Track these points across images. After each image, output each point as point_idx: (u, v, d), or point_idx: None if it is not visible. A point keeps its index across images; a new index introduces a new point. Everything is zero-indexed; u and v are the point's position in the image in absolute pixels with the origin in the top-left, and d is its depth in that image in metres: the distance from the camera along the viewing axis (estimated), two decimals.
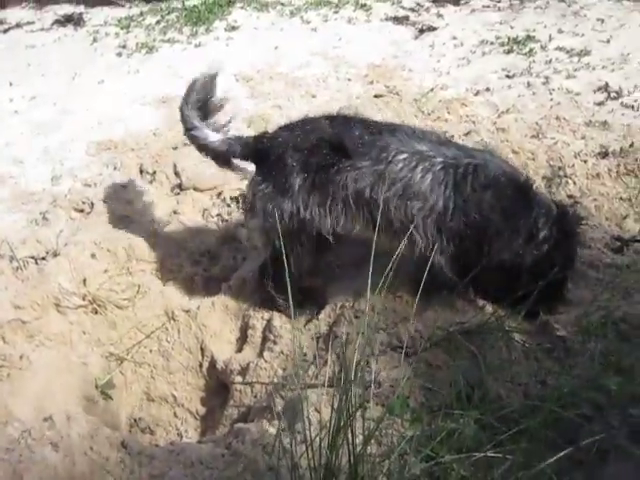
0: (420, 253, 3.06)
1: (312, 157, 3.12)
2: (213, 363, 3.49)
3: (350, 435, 2.10)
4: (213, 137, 3.45)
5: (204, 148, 3.50)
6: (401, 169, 3.01)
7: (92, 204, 4.21)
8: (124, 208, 4.24)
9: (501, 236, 3.02)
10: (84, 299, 3.54)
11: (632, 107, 5.17)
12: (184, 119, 3.55)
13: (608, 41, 6.46)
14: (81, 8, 8.31)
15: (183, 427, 3.49)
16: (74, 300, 3.51)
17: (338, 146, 3.09)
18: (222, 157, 3.48)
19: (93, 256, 3.78)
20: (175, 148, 4.89)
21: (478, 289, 3.22)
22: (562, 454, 2.06)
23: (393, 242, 2.98)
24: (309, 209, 3.13)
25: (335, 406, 2.12)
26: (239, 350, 3.49)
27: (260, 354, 3.32)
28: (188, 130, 3.53)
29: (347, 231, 3.21)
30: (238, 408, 3.24)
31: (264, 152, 3.26)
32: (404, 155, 3.03)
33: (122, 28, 7.53)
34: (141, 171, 4.67)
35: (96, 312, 3.55)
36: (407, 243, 2.98)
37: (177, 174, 4.53)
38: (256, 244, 3.54)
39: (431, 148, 3.06)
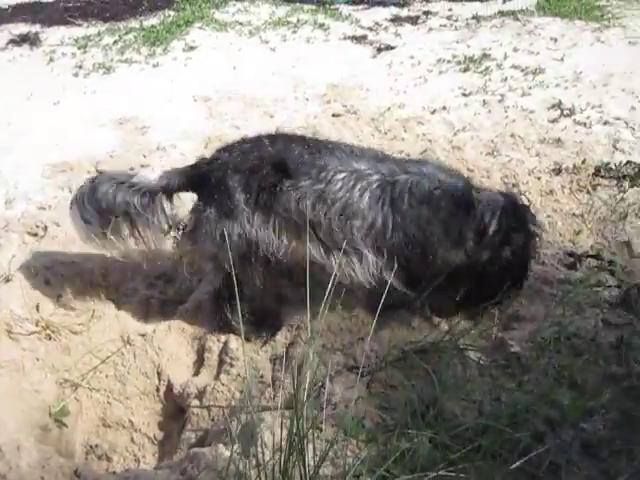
0: (366, 272, 3.11)
1: (253, 177, 3.11)
2: (170, 387, 3.44)
3: (303, 457, 2.09)
4: (151, 176, 3.32)
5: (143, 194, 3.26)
6: (340, 188, 3.06)
7: (46, 228, 4.14)
8: None
9: (444, 246, 3.08)
10: (37, 325, 3.47)
11: (584, 124, 5.28)
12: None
13: (562, 59, 6.62)
14: (37, 27, 8.24)
15: (141, 453, 3.43)
16: (27, 326, 3.43)
17: (279, 166, 3.11)
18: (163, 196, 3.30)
19: (47, 281, 3.72)
20: (132, 169, 4.85)
21: (435, 304, 3.28)
22: (513, 467, 2.07)
23: (340, 262, 3.05)
24: (255, 229, 3.13)
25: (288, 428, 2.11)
26: (196, 373, 3.45)
27: (217, 377, 3.29)
28: (121, 183, 3.26)
29: (296, 254, 3.22)
30: (195, 432, 3.20)
31: (204, 177, 3.21)
32: (343, 174, 3.07)
33: (79, 48, 7.48)
34: None
35: (50, 338, 3.47)
36: (353, 263, 3.06)
37: None
38: (205, 269, 3.48)
39: (369, 166, 3.11)
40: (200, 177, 3.23)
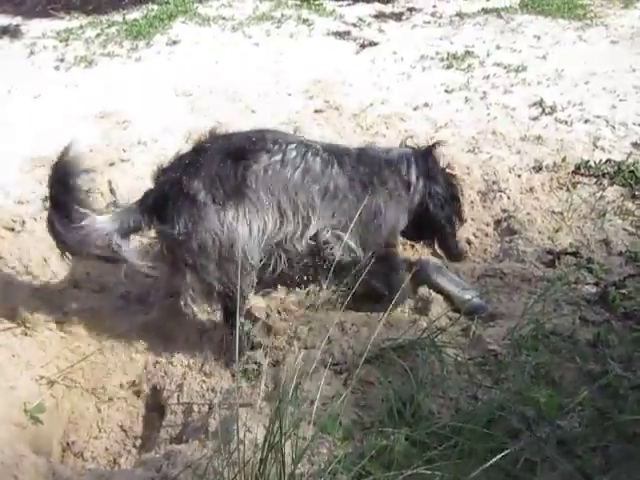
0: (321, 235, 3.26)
1: (211, 172, 3.06)
2: (148, 384, 3.43)
3: (281, 455, 2.08)
4: (100, 218, 3.06)
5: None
6: (296, 156, 3.19)
7: (23, 222, 4.10)
8: None
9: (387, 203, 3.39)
10: (13, 321, 3.44)
11: (565, 122, 5.31)
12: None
13: (544, 57, 6.64)
14: (18, 20, 8.13)
15: (119, 450, 3.41)
16: (3, 322, 3.40)
17: (233, 151, 3.13)
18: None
19: (23, 277, 3.68)
20: (112, 164, 4.82)
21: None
22: (488, 464, 2.07)
23: (303, 229, 3.21)
24: (231, 223, 3.06)
25: (267, 426, 2.10)
26: (175, 370, 3.42)
27: (196, 374, 3.28)
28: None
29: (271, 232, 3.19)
30: (174, 429, 3.19)
31: (162, 199, 3.09)
32: (294, 144, 3.23)
33: (61, 41, 7.40)
34: None
35: (26, 334, 3.45)
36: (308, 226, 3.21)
37: (112, 191, 4.46)
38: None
39: (308, 140, 3.37)
40: (155, 205, 3.11)
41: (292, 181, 3.15)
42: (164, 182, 3.15)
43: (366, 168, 3.36)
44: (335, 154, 3.32)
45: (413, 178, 3.48)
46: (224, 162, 3.09)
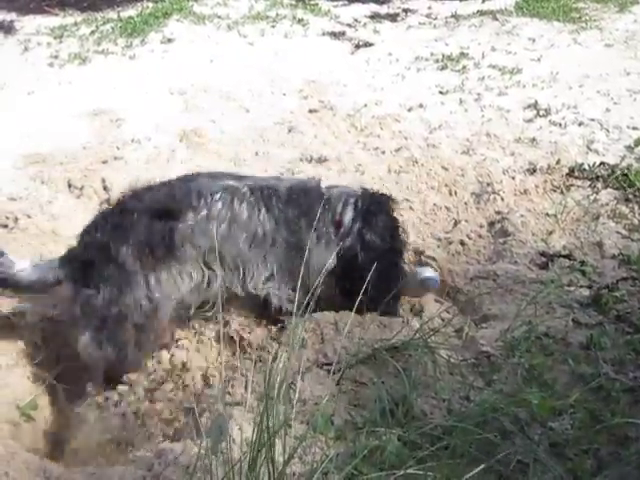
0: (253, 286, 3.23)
1: (139, 237, 3.03)
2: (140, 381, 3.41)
3: (272, 454, 2.08)
4: (20, 264, 3.14)
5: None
6: (222, 208, 3.10)
7: (16, 219, 4.08)
8: (49, 224, 4.12)
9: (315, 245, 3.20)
10: (5, 317, 3.42)
11: (560, 124, 5.33)
12: None
13: (539, 60, 6.66)
14: (12, 15, 8.10)
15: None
16: None
17: (159, 212, 3.07)
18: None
19: None
20: (105, 162, 4.81)
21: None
22: (481, 468, 2.07)
23: (235, 277, 3.21)
24: (158, 288, 3.08)
25: (258, 424, 2.10)
26: (166, 367, 3.41)
27: (187, 371, 3.26)
28: None
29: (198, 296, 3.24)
30: (164, 427, 3.17)
31: (87, 262, 3.07)
32: (219, 194, 3.12)
33: (55, 38, 7.39)
34: (69, 185, 4.57)
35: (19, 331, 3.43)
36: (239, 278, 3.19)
37: (106, 189, 4.45)
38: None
39: (235, 181, 3.20)
40: (79, 261, 3.10)
41: (219, 234, 3.06)
42: (90, 244, 3.12)
43: (295, 209, 3.21)
44: (263, 196, 3.19)
45: (347, 219, 3.30)
46: (151, 225, 3.05)
